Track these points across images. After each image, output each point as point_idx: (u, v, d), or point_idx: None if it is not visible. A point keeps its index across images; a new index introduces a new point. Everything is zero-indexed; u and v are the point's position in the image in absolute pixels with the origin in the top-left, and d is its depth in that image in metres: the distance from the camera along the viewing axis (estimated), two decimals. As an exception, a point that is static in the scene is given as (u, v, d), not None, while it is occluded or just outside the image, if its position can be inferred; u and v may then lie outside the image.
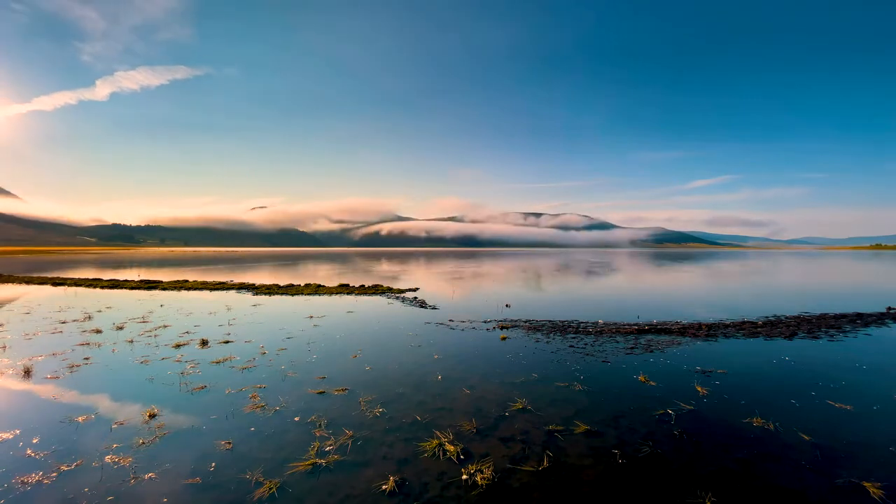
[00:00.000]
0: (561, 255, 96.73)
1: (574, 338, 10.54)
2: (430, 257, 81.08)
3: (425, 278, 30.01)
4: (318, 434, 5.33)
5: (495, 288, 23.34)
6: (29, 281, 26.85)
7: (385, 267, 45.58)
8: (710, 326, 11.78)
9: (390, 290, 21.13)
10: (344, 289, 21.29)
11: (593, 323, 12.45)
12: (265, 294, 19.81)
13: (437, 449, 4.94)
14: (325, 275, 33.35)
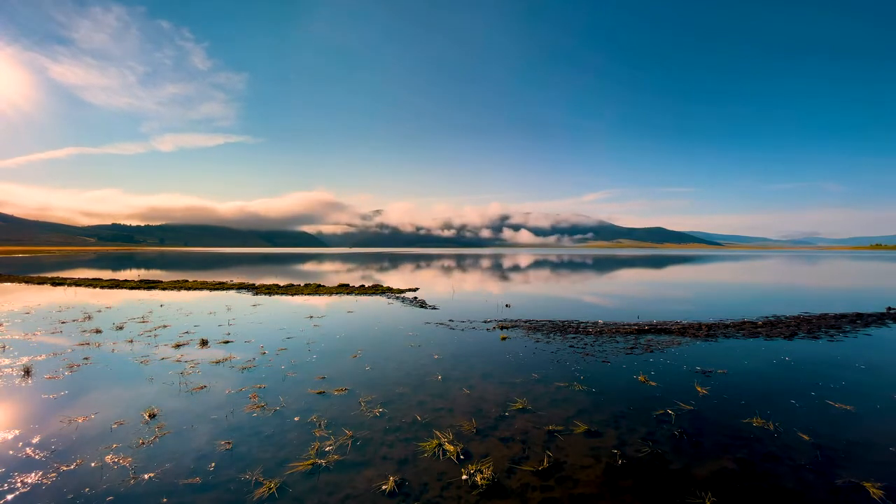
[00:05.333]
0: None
1: (574, 338, 10.54)
2: (427, 257, 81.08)
3: (425, 278, 30.01)
4: (317, 434, 5.34)
5: (495, 288, 23.35)
6: (29, 281, 26.84)
7: (384, 267, 45.57)
8: (710, 326, 11.78)
9: (390, 289, 21.13)
10: (344, 289, 21.28)
11: (593, 323, 12.46)
12: (265, 294, 19.80)
13: (436, 449, 4.94)
14: (325, 274, 33.36)
